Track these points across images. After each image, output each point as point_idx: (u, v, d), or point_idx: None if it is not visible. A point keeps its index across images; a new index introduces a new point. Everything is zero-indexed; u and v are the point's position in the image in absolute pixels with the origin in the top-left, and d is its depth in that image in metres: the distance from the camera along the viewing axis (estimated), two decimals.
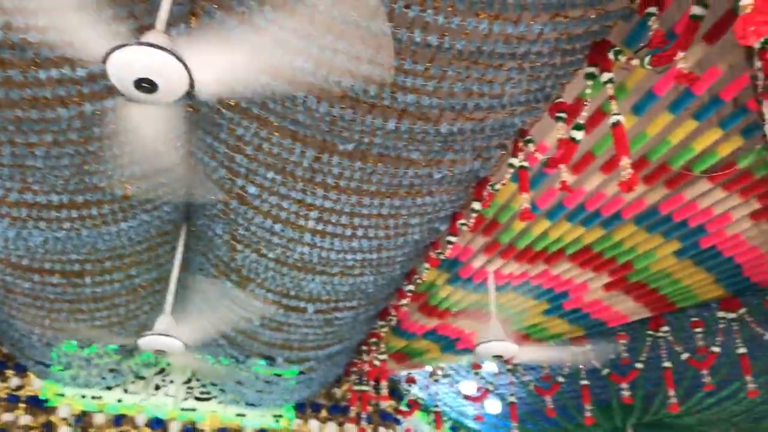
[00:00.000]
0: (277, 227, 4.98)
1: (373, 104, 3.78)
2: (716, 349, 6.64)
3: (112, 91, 3.39)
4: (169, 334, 5.26)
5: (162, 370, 7.82)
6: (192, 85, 2.91)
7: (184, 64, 2.88)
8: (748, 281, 6.04)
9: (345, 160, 4.28)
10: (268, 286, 5.78)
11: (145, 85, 2.89)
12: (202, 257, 6.01)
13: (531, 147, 4.26)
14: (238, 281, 5.85)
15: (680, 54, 3.13)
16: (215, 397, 7.79)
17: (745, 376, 6.56)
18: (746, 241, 5.40)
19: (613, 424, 9.00)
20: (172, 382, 7.80)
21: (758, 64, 3.07)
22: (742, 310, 6.42)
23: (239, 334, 6.53)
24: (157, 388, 7.73)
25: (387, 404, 8.42)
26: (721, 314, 6.52)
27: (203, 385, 7.83)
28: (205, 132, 4.53)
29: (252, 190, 4.71)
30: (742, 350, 6.53)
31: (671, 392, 6.97)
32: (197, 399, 7.76)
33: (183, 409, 7.65)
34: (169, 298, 5.60)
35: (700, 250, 5.50)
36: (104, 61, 2.84)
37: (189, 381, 7.84)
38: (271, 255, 5.37)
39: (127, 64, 2.84)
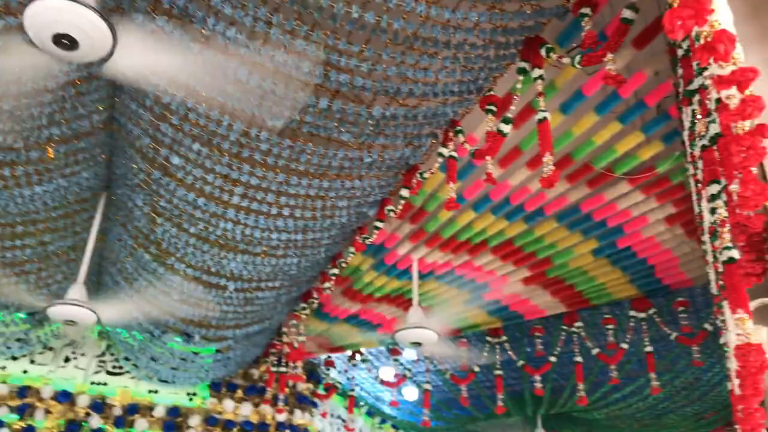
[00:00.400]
0: (200, 201, 4.87)
1: (305, 81, 3.73)
2: (625, 346, 6.90)
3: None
4: (80, 304, 5.07)
5: (72, 342, 7.56)
6: (114, 48, 2.79)
7: (111, 26, 2.76)
8: (659, 283, 6.28)
9: (274, 136, 4.21)
10: (188, 261, 5.65)
11: (65, 42, 2.76)
12: (121, 228, 5.82)
13: (461, 137, 4.30)
14: (158, 255, 5.70)
15: (609, 55, 3.22)
16: (128, 372, 7.58)
17: (649, 374, 6.84)
18: (660, 243, 5.60)
19: (523, 413, 9.26)
20: (83, 354, 7.54)
21: (680, 71, 3.18)
22: (652, 311, 6.68)
23: (154, 309, 6.38)
24: (67, 360, 7.47)
25: (304, 387, 8.39)
26: (632, 313, 6.77)
27: (116, 359, 7.60)
28: (129, 98, 4.37)
29: (176, 161, 4.57)
30: (648, 348, 6.80)
31: (580, 386, 7.21)
32: (109, 373, 7.53)
33: (93, 383, 7.42)
34: (83, 267, 5.41)
35: (617, 249, 5.69)
36: (22, 11, 2.70)
37: (102, 354, 7.61)
38: (192, 230, 5.25)
39: (48, 17, 2.70)
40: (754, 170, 2.10)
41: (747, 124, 2.06)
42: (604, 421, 9.32)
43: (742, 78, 2.02)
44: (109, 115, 4.63)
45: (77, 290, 5.23)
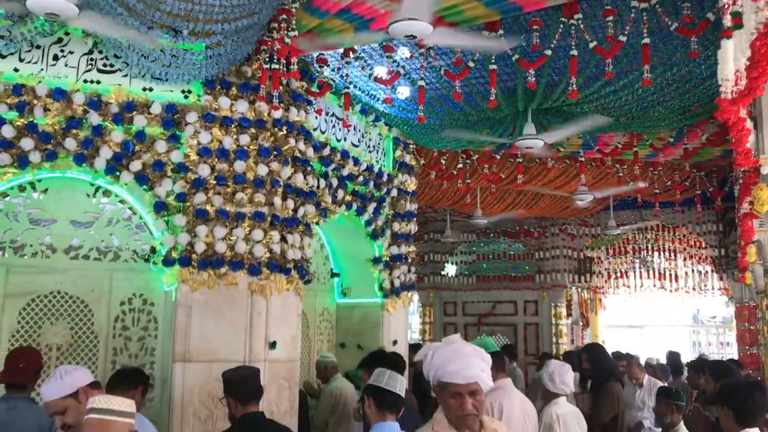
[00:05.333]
0: None
1: None
2: (623, 39, 6.79)
3: None
4: None
5: (60, 40, 7.36)
6: None
7: None
8: None
9: None
10: None
11: None
12: None
13: None
14: None
15: None
16: (119, 70, 7.51)
17: (643, 66, 6.82)
18: None
19: (514, 107, 9.44)
20: (71, 52, 7.40)
21: None
22: (654, 0, 6.45)
23: (139, 3, 6.11)
24: (56, 58, 7.34)
25: (298, 85, 8.40)
26: (633, 3, 6.54)
27: (105, 57, 7.48)
28: None
29: None
30: (646, 40, 6.70)
31: (573, 80, 7.23)
32: (100, 71, 7.46)
33: (86, 81, 7.39)
34: None
35: None
36: None
37: (90, 53, 7.46)
38: None
39: None
40: None
41: None
42: (591, 114, 9.55)
43: None
44: None
45: None
